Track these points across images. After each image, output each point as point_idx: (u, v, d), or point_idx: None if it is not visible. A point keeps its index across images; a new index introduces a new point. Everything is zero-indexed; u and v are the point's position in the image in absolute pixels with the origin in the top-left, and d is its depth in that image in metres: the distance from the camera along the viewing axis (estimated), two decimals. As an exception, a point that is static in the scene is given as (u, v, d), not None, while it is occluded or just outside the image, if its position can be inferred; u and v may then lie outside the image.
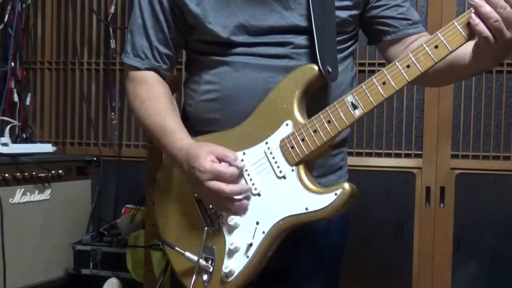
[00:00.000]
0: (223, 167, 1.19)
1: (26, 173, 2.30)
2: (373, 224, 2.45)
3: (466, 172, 2.40)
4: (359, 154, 2.50)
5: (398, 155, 2.47)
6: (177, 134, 1.28)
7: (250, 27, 1.27)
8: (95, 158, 2.67)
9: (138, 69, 1.35)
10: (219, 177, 1.18)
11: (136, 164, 2.69)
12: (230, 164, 1.20)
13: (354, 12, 1.32)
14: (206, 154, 1.19)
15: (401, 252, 2.44)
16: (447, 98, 2.41)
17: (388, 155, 2.48)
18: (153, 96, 1.33)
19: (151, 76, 1.35)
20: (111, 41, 2.73)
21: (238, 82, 1.28)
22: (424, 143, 2.44)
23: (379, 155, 2.49)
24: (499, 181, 2.37)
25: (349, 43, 1.35)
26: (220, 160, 1.20)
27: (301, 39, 1.27)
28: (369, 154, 2.50)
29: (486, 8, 1.04)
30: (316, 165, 1.26)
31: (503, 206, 2.37)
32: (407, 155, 2.47)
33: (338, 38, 1.30)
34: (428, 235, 2.42)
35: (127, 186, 2.73)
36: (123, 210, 2.59)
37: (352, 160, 2.41)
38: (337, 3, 1.29)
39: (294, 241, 1.25)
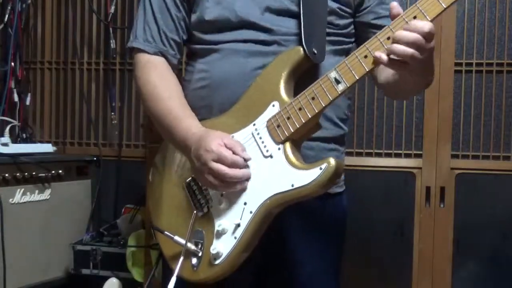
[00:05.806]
0: (228, 152, 1.19)
1: (26, 173, 2.30)
2: (373, 224, 2.45)
3: (466, 172, 2.40)
4: (359, 154, 2.50)
5: (398, 155, 2.47)
6: (194, 121, 1.29)
7: (242, 5, 1.29)
8: (95, 158, 2.67)
9: (147, 53, 1.37)
10: (222, 160, 1.18)
11: (136, 164, 2.69)
12: (237, 155, 1.20)
13: (343, 7, 1.34)
14: (215, 137, 1.20)
15: (401, 252, 2.44)
16: (447, 98, 2.41)
17: (388, 155, 2.48)
18: (165, 82, 1.34)
19: (160, 61, 1.37)
20: (111, 41, 2.73)
21: (226, 68, 1.30)
22: (424, 143, 2.44)
23: (379, 155, 2.49)
24: (499, 181, 2.37)
25: (340, 38, 1.36)
26: (229, 148, 1.20)
27: (290, 26, 1.29)
28: (369, 154, 2.50)
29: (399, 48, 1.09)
30: (310, 159, 1.26)
31: (503, 206, 2.37)
32: (407, 155, 2.46)
33: (329, 30, 1.32)
34: (428, 235, 2.42)
35: (127, 186, 2.74)
36: (123, 210, 2.60)
37: (352, 160, 2.42)
38: None
39: (286, 223, 1.26)
